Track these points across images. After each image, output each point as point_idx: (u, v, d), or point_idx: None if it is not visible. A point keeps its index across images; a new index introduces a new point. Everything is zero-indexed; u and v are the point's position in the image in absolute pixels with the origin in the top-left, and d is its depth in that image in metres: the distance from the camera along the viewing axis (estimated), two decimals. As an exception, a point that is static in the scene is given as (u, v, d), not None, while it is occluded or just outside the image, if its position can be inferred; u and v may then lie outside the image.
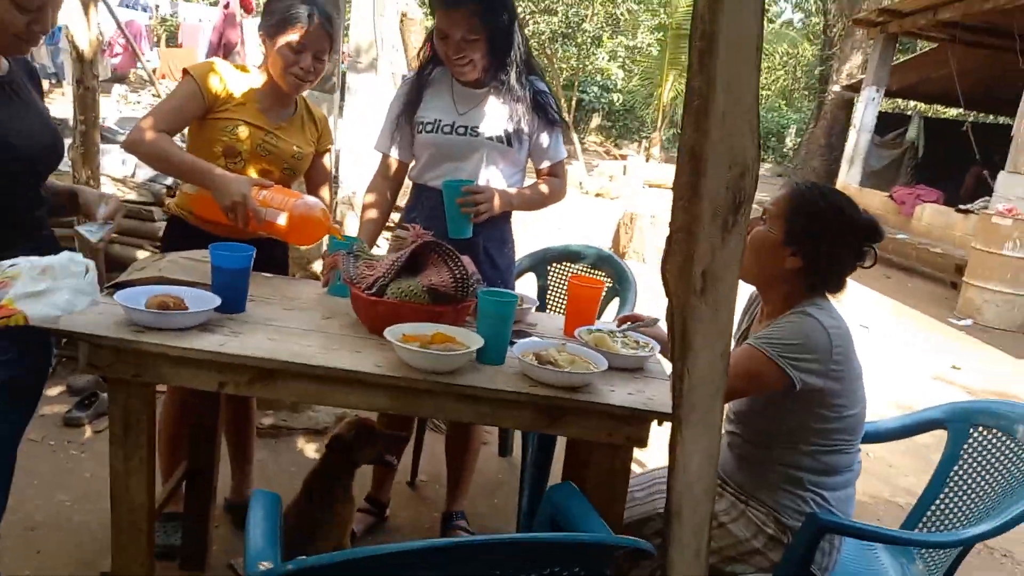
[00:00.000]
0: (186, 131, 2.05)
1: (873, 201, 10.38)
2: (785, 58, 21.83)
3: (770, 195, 14.77)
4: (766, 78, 26.35)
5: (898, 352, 5.44)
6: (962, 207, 8.65)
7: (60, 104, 13.12)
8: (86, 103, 2.76)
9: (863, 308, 6.56)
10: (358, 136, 4.73)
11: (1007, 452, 1.69)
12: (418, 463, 2.72)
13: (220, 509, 2.31)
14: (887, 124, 11.92)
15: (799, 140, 20.60)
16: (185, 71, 1.98)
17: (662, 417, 1.45)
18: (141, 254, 3.09)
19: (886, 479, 3.19)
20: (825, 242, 1.59)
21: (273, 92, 2.04)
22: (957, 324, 6.53)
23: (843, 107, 12.98)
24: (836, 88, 13.21)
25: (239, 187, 1.82)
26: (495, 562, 1.03)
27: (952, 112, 15.52)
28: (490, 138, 2.11)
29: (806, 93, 24.05)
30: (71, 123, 3.04)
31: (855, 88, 12.04)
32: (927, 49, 10.87)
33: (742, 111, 1.20)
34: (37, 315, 1.39)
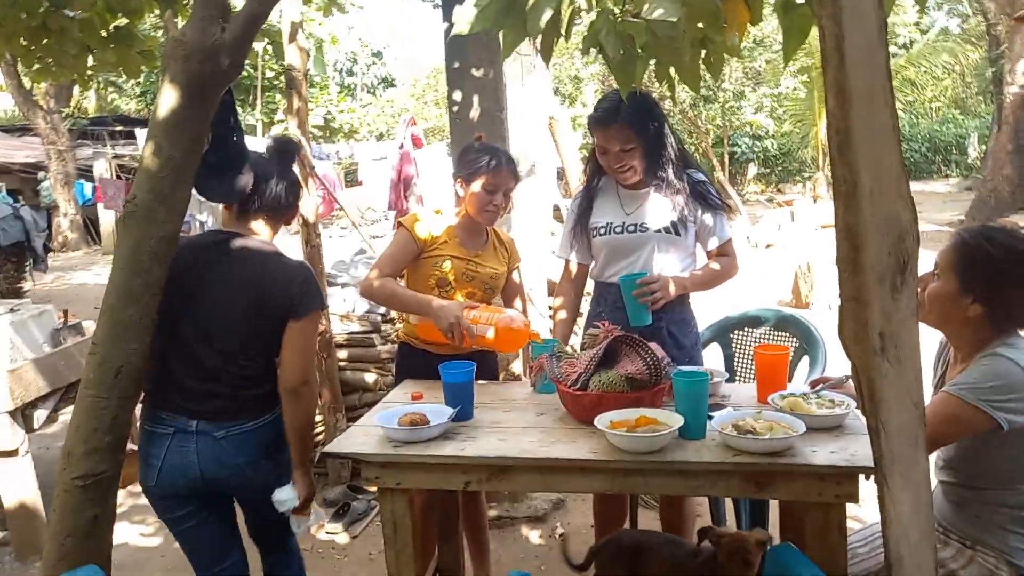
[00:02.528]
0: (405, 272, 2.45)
1: (1086, 201, 9.33)
2: (948, 66, 20.39)
3: (957, 213, 13.48)
4: (932, 89, 24.65)
5: None
6: None
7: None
8: (314, 259, 3.32)
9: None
10: (527, 235, 5.11)
11: None
12: (635, 540, 2.85)
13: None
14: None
15: (984, 148, 18.94)
16: (398, 223, 2.40)
17: (869, 471, 1.52)
18: (368, 376, 3.57)
19: None
20: (1002, 284, 1.62)
21: (469, 226, 2.40)
22: None
23: (1026, 107, 11.91)
24: (1014, 89, 12.18)
25: (453, 311, 2.17)
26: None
27: None
28: (658, 231, 2.32)
29: (981, 98, 22.20)
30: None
31: (1037, 85, 11.07)
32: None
33: (890, 183, 1.33)
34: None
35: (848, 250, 1.34)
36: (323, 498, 3.38)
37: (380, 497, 1.83)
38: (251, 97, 21.92)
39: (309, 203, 3.30)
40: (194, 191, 1.90)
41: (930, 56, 18.77)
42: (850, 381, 1.87)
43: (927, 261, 1.74)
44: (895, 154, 1.32)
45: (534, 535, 3.08)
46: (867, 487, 1.53)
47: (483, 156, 2.32)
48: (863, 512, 2.82)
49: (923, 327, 1.37)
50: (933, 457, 1.75)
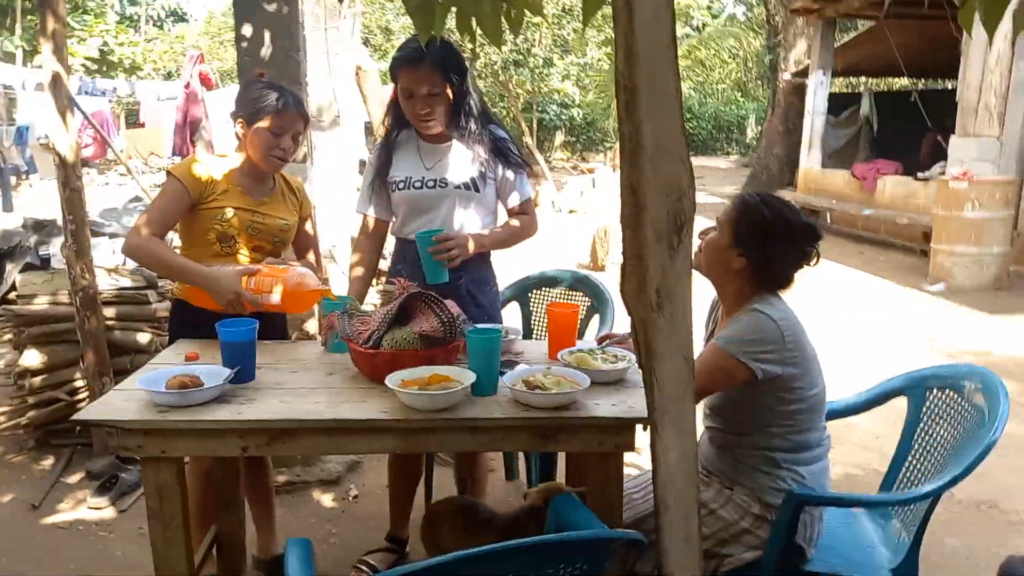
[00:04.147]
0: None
1: (836, 180, 10.66)
2: (734, 51, 22.32)
3: (735, 187, 14.89)
4: (719, 72, 26.83)
5: (879, 326, 5.64)
6: (920, 175, 8.92)
7: (28, 197, 13.26)
8: (74, 204, 2.90)
9: (842, 287, 6.77)
10: (330, 190, 4.89)
11: (958, 408, 1.87)
12: (431, 498, 2.85)
13: (250, 568, 2.43)
14: (840, 104, 12.24)
15: (759, 129, 21.01)
16: (168, 172, 2.14)
17: (644, 422, 1.60)
18: (142, 337, 3.23)
19: (875, 449, 3.35)
20: (767, 244, 1.77)
21: (252, 172, 2.20)
22: (931, 290, 6.75)
23: (795, 93, 13.29)
24: (786, 76, 13.56)
25: (229, 284, 1.98)
26: (516, 564, 1.19)
27: (901, 83, 15.93)
28: (457, 186, 2.28)
29: (759, 83, 24.53)
30: (60, 223, 3.19)
31: (804, 74, 12.36)
32: (866, 28, 11.19)
33: (670, 144, 1.37)
34: None
35: (631, 208, 1.37)
36: (87, 471, 3.04)
37: (143, 467, 1.65)
38: (9, 20, 19.06)
39: (66, 141, 2.88)
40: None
41: (718, 39, 20.41)
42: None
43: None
44: (677, 118, 1.37)
45: (327, 499, 2.98)
46: (645, 436, 1.63)
47: (268, 93, 2.12)
48: (642, 460, 3.02)
49: (697, 286, 1.46)
50: (700, 406, 1.89)
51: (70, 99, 2.91)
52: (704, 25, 24.46)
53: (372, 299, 3.07)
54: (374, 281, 2.70)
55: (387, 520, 2.55)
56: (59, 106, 2.88)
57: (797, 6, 10.86)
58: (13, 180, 12.51)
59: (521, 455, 3.08)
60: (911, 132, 10.92)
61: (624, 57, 1.31)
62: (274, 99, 2.10)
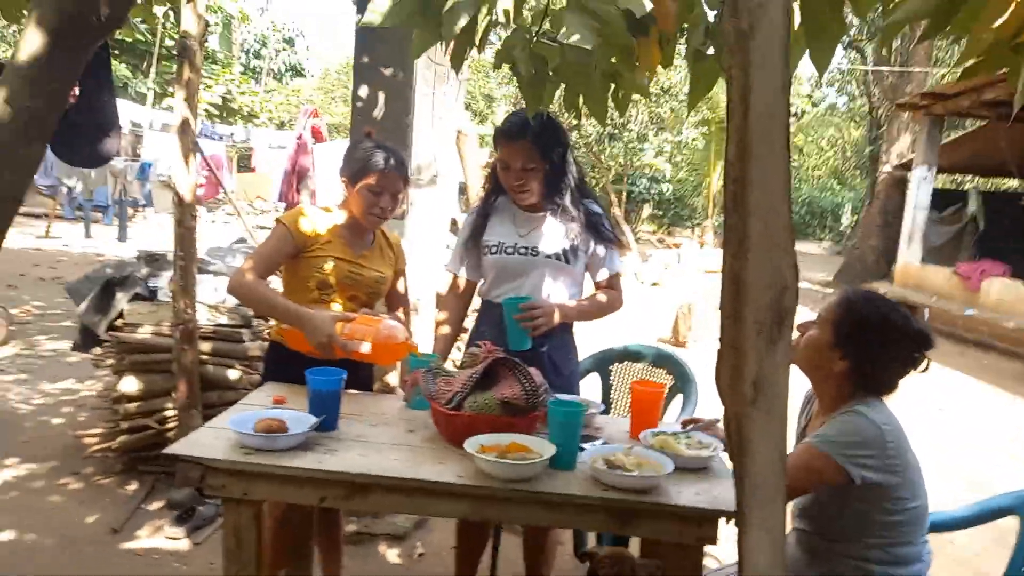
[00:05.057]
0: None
1: (937, 278, 10.22)
2: (833, 140, 22.03)
3: (826, 274, 14.49)
4: (816, 159, 26.45)
5: (975, 431, 5.28)
6: (1031, 280, 8.46)
7: (141, 228, 14.17)
8: (185, 241, 3.09)
9: (940, 388, 6.40)
10: (421, 246, 5.01)
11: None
12: (496, 566, 2.79)
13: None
14: (944, 200, 11.84)
15: (856, 218, 20.46)
16: (277, 220, 2.26)
17: (730, 516, 1.54)
18: (232, 373, 3.35)
19: (972, 567, 3.10)
20: (872, 348, 1.68)
21: (354, 226, 2.29)
22: (1038, 400, 6.30)
23: (896, 185, 12.95)
24: (887, 168, 13.24)
25: (325, 328, 2.03)
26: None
27: (1012, 183, 15.28)
28: (548, 256, 2.30)
29: (857, 172, 24.03)
30: (170, 257, 3.38)
31: (907, 167, 12.06)
32: (976, 127, 10.88)
33: (778, 238, 1.34)
34: None
35: (732, 298, 1.35)
36: (167, 500, 3.13)
37: (224, 507, 1.68)
38: (145, 64, 20.75)
39: (186, 182, 3.08)
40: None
41: (817, 128, 20.19)
42: (719, 424, 1.90)
43: (797, 317, 1.80)
44: (785, 211, 1.35)
45: (392, 554, 2.96)
46: (727, 528, 1.55)
47: (374, 153, 2.22)
48: (720, 551, 2.88)
49: (792, 377, 1.40)
50: (790, 505, 1.80)
51: (195, 144, 3.11)
52: (803, 112, 24.29)
53: (454, 356, 3.10)
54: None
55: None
56: (184, 149, 3.09)
57: (903, 101, 10.68)
58: (130, 211, 13.43)
59: (592, 535, 2.99)
60: (1020, 235, 10.43)
61: (736, 149, 1.31)
62: (380, 159, 2.20)
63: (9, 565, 2.64)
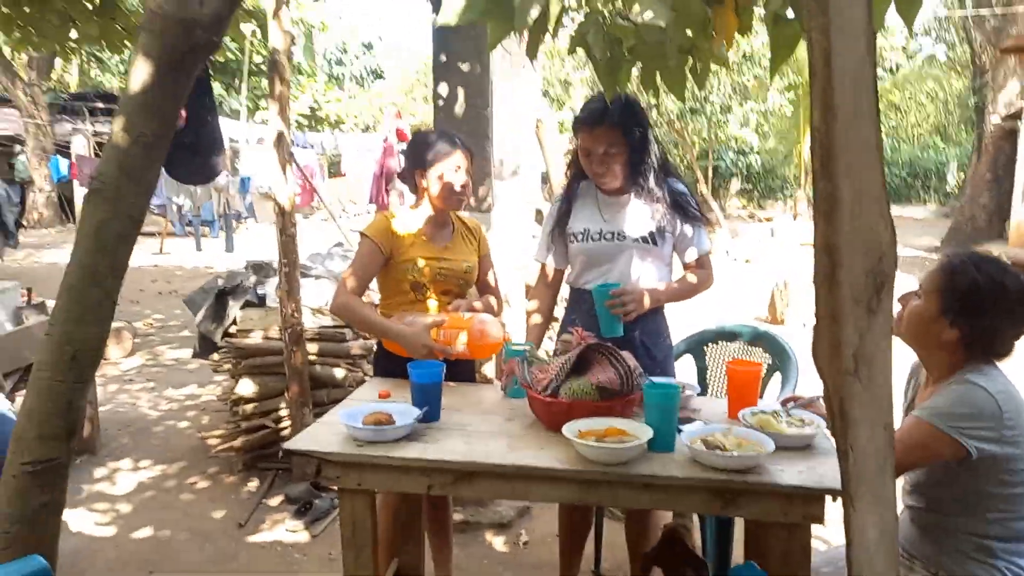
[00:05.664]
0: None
1: (1059, 234, 9.50)
2: (932, 94, 20.71)
3: (932, 238, 13.64)
4: (916, 115, 24.95)
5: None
6: None
7: (245, 238, 14.89)
8: (288, 248, 3.25)
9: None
10: (507, 238, 5.07)
11: None
12: (600, 552, 2.82)
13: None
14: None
15: (963, 176, 19.24)
16: (361, 234, 2.35)
17: (836, 493, 1.51)
18: (338, 372, 3.51)
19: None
20: (984, 314, 1.60)
21: (433, 219, 2.37)
22: None
23: (1006, 138, 12.07)
24: (995, 119, 12.37)
25: (420, 339, 2.14)
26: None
27: None
28: (635, 240, 2.30)
29: (962, 126, 22.54)
30: (274, 265, 3.56)
31: (1016, 116, 11.24)
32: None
33: (871, 202, 1.31)
34: None
35: (826, 267, 1.32)
36: (285, 495, 3.32)
37: (340, 497, 1.78)
38: (237, 81, 21.76)
39: (286, 192, 3.23)
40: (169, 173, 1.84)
41: (915, 82, 19.06)
42: (820, 401, 1.85)
43: (902, 285, 1.73)
44: (877, 173, 1.30)
45: (498, 541, 3.04)
46: (833, 508, 1.52)
47: (435, 140, 2.30)
48: (828, 533, 2.81)
49: (896, 347, 1.36)
50: (900, 481, 1.74)
51: (291, 155, 3.27)
52: (898, 67, 22.95)
53: (546, 345, 3.14)
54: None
55: (556, 569, 2.55)
56: (281, 160, 3.24)
57: (1008, 44, 9.95)
58: (234, 224, 14.14)
59: (696, 517, 2.97)
60: None
61: (821, 112, 1.28)
62: (440, 143, 2.29)
63: (153, 562, 2.87)
